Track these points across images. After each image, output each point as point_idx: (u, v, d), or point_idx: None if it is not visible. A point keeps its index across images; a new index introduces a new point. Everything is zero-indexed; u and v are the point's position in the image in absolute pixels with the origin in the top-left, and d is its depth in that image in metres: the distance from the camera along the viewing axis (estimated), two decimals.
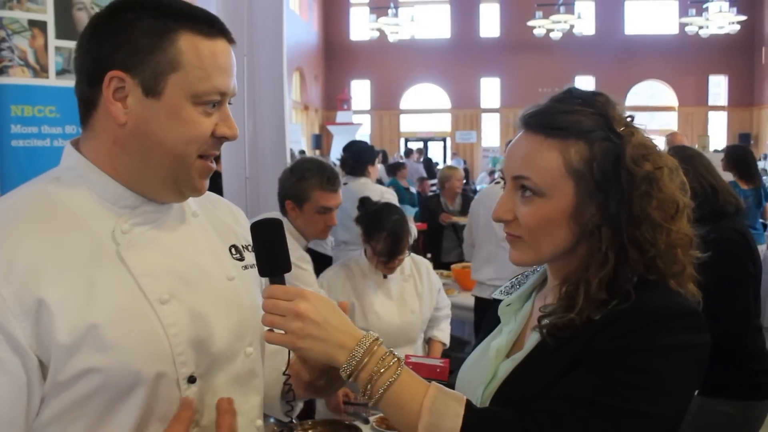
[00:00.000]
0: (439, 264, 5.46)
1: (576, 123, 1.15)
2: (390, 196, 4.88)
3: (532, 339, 1.20)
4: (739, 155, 5.79)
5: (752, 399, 2.55)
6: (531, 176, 1.16)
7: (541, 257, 1.20)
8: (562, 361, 1.11)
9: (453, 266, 5.01)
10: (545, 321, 1.15)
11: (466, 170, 14.88)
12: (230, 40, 1.17)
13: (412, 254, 3.27)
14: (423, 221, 6.26)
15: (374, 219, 3.02)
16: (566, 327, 1.12)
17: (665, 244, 1.13)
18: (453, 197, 6.17)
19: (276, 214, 2.86)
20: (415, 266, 3.21)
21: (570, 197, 1.14)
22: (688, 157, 2.56)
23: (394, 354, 1.12)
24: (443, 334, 3.32)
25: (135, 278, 1.11)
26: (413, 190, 9.72)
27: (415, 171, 12.73)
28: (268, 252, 1.15)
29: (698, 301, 1.17)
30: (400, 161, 11.34)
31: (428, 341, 3.31)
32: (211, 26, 1.14)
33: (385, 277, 3.07)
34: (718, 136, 20.63)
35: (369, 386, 1.09)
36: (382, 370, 1.09)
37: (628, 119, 1.18)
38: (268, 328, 1.12)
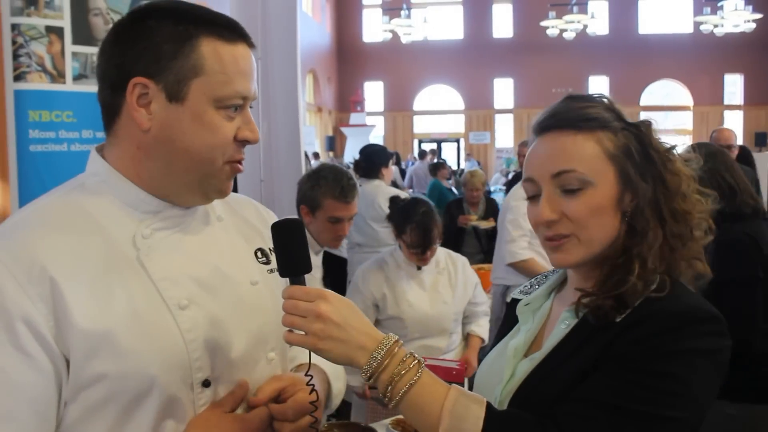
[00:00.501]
0: None
1: (599, 114, 1.19)
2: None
3: (551, 339, 1.20)
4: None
5: (758, 402, 2.52)
6: (577, 167, 1.17)
7: (592, 251, 1.18)
8: (582, 363, 1.11)
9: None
10: (587, 299, 1.15)
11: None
12: (250, 45, 1.18)
13: (449, 251, 3.38)
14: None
15: (403, 214, 3.12)
16: (614, 303, 1.12)
17: (697, 213, 1.19)
18: (475, 203, 6.01)
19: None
20: (452, 261, 3.30)
21: (614, 183, 1.17)
22: (709, 153, 2.53)
23: (414, 356, 1.12)
24: (481, 329, 3.37)
25: (154, 283, 1.12)
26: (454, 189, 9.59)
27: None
28: (289, 252, 1.15)
29: (708, 279, 1.20)
30: (441, 161, 11.11)
31: (467, 337, 3.36)
32: (232, 31, 1.15)
33: (419, 269, 3.15)
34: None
35: (389, 388, 1.09)
36: (402, 372, 1.09)
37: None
38: (288, 329, 1.12)
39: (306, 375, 1.18)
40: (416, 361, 1.11)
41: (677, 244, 1.16)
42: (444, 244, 3.32)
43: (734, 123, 21.60)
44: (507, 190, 13.25)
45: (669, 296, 1.11)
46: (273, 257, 1.27)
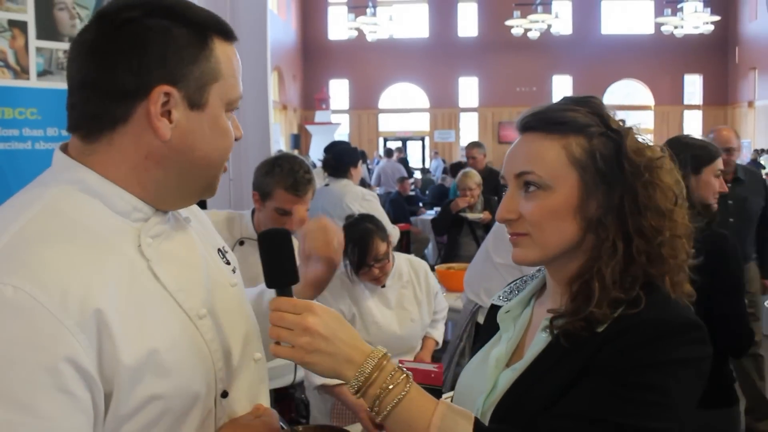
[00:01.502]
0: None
1: (574, 119, 1.17)
2: (371, 197, 4.81)
3: (533, 348, 1.19)
4: None
5: (725, 406, 2.55)
6: (535, 170, 1.16)
7: (547, 253, 1.18)
8: (565, 374, 1.10)
9: (437, 267, 4.99)
10: (558, 321, 1.14)
11: (445, 169, 14.86)
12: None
13: (410, 257, 3.25)
14: (436, 224, 6.12)
15: (346, 233, 2.96)
16: (583, 325, 1.11)
17: (670, 232, 1.14)
18: (471, 204, 5.65)
19: None
20: (414, 270, 3.15)
21: (575, 189, 1.15)
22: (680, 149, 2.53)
23: (402, 370, 1.10)
24: (437, 332, 3.27)
25: (171, 295, 1.05)
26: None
27: (397, 171, 12.71)
28: (276, 263, 1.12)
29: (692, 301, 1.17)
30: (462, 161, 10.88)
31: (424, 338, 3.25)
32: (230, 31, 1.11)
33: (383, 286, 3.01)
34: (694, 134, 20.83)
35: (377, 402, 1.07)
36: (390, 387, 1.07)
37: (621, 122, 1.21)
38: (275, 340, 1.09)
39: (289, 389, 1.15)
40: (404, 375, 1.09)
41: (643, 262, 1.13)
42: (407, 242, 3.23)
43: (693, 123, 22.06)
44: None
45: (649, 306, 1.10)
46: (230, 257, 1.26)
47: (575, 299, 1.15)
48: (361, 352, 1.09)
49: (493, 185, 6.12)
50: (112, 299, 0.95)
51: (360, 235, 2.89)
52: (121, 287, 0.98)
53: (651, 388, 1.04)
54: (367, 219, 3.02)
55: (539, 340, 1.18)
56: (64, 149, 1.09)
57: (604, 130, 1.17)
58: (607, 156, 1.15)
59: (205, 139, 1.07)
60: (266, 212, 2.74)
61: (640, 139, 1.19)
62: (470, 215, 5.62)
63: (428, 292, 3.16)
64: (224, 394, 1.11)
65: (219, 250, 1.26)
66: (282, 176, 2.68)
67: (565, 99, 1.23)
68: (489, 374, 1.23)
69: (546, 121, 1.18)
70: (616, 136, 1.16)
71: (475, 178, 5.79)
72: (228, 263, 1.25)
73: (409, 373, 1.11)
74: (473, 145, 7.35)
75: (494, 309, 1.38)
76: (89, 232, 1.00)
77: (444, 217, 5.85)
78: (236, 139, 1.13)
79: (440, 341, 3.30)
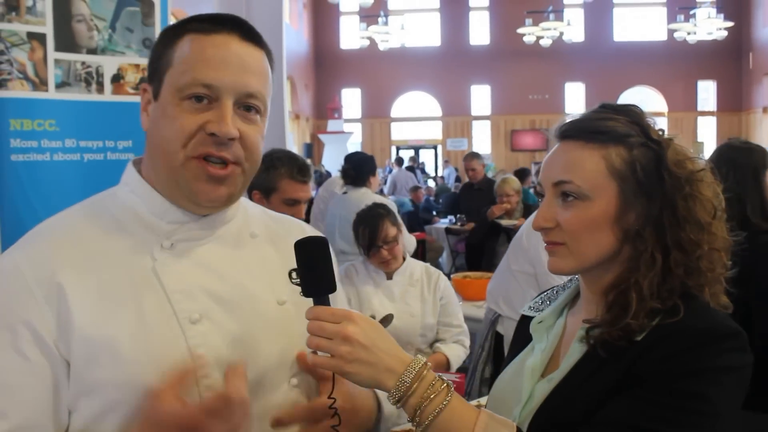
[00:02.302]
0: None
1: (614, 128, 1.15)
2: (388, 204, 4.85)
3: (569, 359, 1.17)
4: None
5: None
6: (574, 179, 1.15)
7: (583, 264, 1.17)
8: (604, 384, 1.08)
9: (453, 276, 4.97)
10: (595, 332, 1.12)
11: (458, 177, 14.83)
12: (242, 36, 1.12)
13: (428, 265, 3.37)
14: (421, 231, 6.13)
15: (356, 221, 3.22)
16: (620, 335, 1.09)
17: (708, 245, 1.13)
18: (509, 211, 5.51)
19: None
20: (428, 275, 3.28)
21: (613, 200, 1.14)
22: (729, 163, 2.47)
23: (443, 379, 1.09)
24: (448, 349, 3.20)
25: (167, 295, 1.09)
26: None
27: (410, 179, 12.70)
28: (313, 271, 1.10)
29: (729, 312, 1.15)
30: (526, 168, 10.75)
31: (434, 353, 3.21)
32: (213, 22, 1.10)
33: (389, 278, 3.17)
34: (707, 141, 20.74)
35: (418, 413, 1.06)
36: (432, 396, 1.06)
37: (660, 132, 1.19)
38: (312, 350, 1.08)
39: (329, 398, 1.12)
40: (445, 385, 1.08)
41: (680, 274, 1.11)
42: (423, 250, 3.33)
43: (708, 129, 21.92)
44: None
45: (689, 314, 1.08)
46: None
47: (611, 309, 1.13)
48: (401, 361, 1.07)
49: (492, 197, 5.99)
50: (85, 283, 1.06)
51: (371, 216, 3.15)
52: (107, 277, 1.07)
53: (694, 396, 1.02)
54: (380, 206, 3.27)
55: (575, 350, 1.17)
56: None
57: (645, 141, 1.15)
58: (648, 167, 1.13)
59: (156, 127, 1.12)
60: (273, 208, 2.73)
61: (682, 150, 1.17)
62: (505, 222, 5.51)
63: (435, 294, 3.24)
64: None
65: (295, 270, 1.20)
66: (285, 167, 2.72)
67: (603, 106, 1.21)
68: (525, 385, 1.22)
69: (585, 131, 1.17)
70: (657, 146, 1.14)
71: (513, 184, 5.68)
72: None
73: (450, 383, 1.09)
74: (472, 156, 7.21)
75: (524, 320, 1.36)
76: (112, 226, 1.13)
77: (481, 225, 5.77)
78: (216, 135, 1.08)
79: (453, 362, 3.20)
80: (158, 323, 1.07)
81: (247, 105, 1.12)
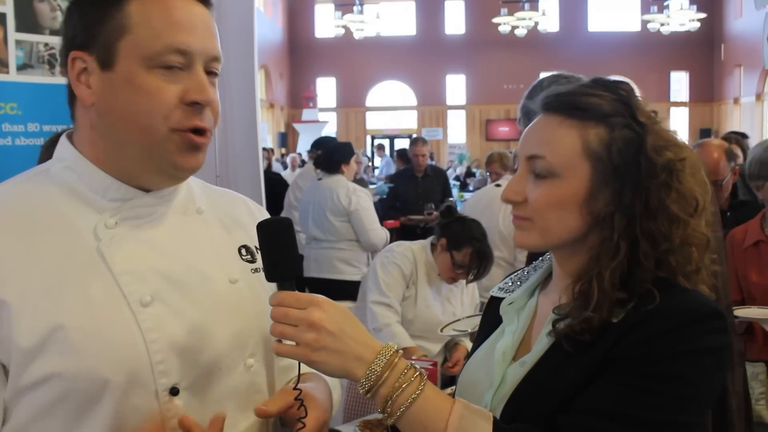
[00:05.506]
0: None
1: (597, 106, 1.10)
2: (361, 193, 4.86)
3: (542, 341, 1.14)
4: None
5: None
6: (546, 155, 1.11)
7: (547, 242, 1.13)
8: (582, 367, 1.05)
9: None
10: (561, 324, 1.09)
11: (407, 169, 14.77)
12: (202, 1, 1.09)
13: None
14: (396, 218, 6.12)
15: (462, 229, 3.13)
16: (584, 328, 1.05)
17: (680, 239, 1.08)
18: None
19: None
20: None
21: (585, 181, 1.09)
22: None
23: (416, 368, 1.04)
24: (469, 342, 3.32)
25: (115, 277, 1.02)
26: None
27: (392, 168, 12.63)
28: (277, 255, 1.04)
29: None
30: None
31: (454, 345, 3.30)
32: None
33: (439, 274, 3.24)
34: (680, 131, 20.94)
35: (389, 403, 1.01)
36: (404, 386, 1.01)
37: (652, 113, 1.13)
38: (277, 339, 1.03)
39: (294, 389, 1.07)
40: (418, 374, 1.03)
41: (650, 266, 1.06)
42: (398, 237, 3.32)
43: (680, 120, 22.14)
44: (460, 186, 13.21)
45: (666, 297, 1.04)
46: (259, 256, 1.17)
47: (576, 300, 1.09)
48: (371, 348, 1.02)
49: (440, 185, 6.02)
50: (23, 272, 0.99)
51: (482, 247, 3.09)
52: (46, 261, 1.00)
53: (676, 379, 1.00)
54: (482, 229, 3.18)
55: (545, 337, 1.13)
56: None
57: (629, 122, 1.09)
58: (625, 151, 1.08)
59: (119, 99, 1.04)
60: None
61: (666, 136, 1.11)
62: None
63: (472, 294, 3.43)
64: (174, 391, 1.04)
65: (243, 246, 1.19)
66: None
67: (595, 81, 1.16)
68: (496, 368, 1.18)
69: (567, 105, 1.12)
70: (640, 129, 1.09)
71: (505, 159, 5.38)
72: (252, 261, 1.18)
73: (423, 371, 1.04)
74: (421, 142, 6.73)
75: (494, 301, 1.32)
76: (45, 209, 1.05)
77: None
78: (197, 103, 1.05)
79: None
80: (106, 308, 1.01)
81: (210, 70, 1.09)
